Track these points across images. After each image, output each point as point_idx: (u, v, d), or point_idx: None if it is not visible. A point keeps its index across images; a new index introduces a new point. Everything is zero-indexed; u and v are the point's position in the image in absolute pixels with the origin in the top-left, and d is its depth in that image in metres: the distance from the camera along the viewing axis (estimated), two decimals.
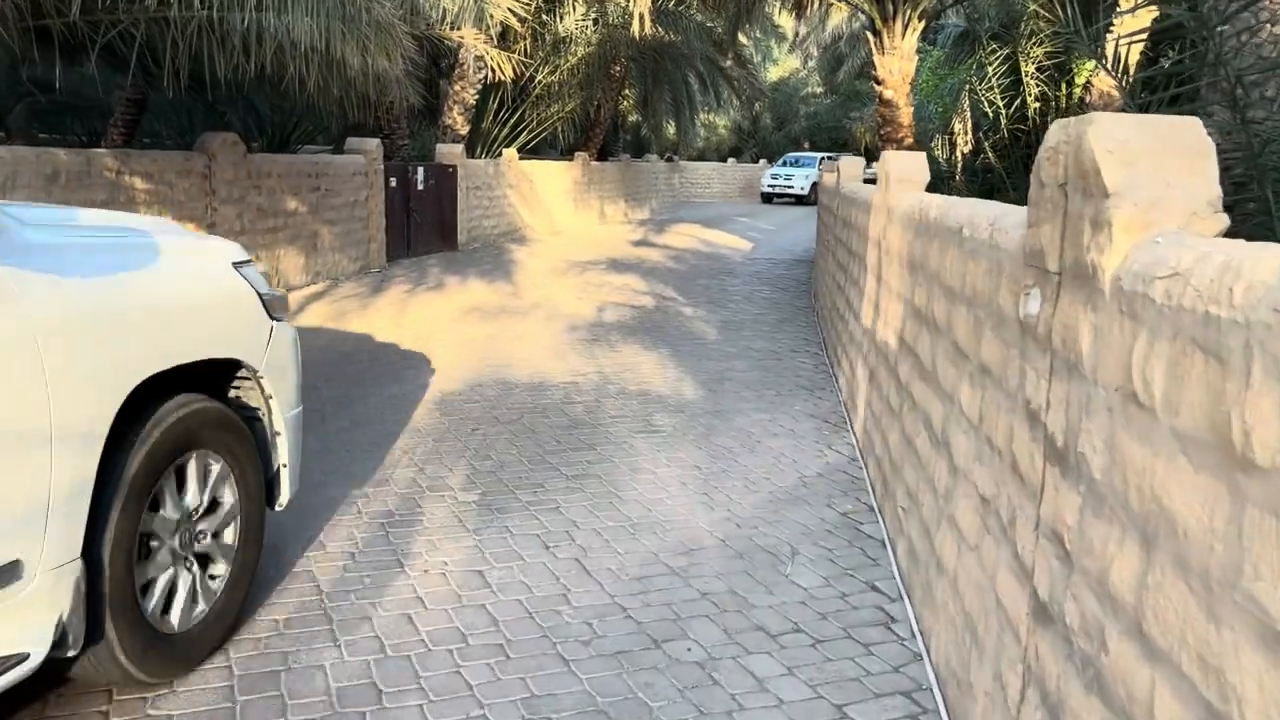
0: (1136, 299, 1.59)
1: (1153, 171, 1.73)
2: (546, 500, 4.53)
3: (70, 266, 2.51)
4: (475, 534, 4.09)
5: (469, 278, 12.23)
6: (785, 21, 30.74)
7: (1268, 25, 5.49)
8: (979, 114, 12.10)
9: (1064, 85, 10.84)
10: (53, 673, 2.56)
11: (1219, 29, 4.76)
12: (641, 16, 16.20)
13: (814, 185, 31.36)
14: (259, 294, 3.27)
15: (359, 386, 6.55)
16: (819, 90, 44.02)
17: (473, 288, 11.45)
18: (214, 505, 3.05)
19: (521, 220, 17.88)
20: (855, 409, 5.81)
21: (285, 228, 10.45)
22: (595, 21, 19.45)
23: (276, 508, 3.44)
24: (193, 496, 2.94)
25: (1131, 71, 7.90)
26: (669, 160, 30.86)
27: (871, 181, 6.95)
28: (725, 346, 8.50)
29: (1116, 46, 6.35)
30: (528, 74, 19.15)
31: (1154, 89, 7.40)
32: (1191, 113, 6.85)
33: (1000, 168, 11.33)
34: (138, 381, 2.61)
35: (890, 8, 12.35)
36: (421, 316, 9.41)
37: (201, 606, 2.96)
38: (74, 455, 2.37)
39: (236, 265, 3.25)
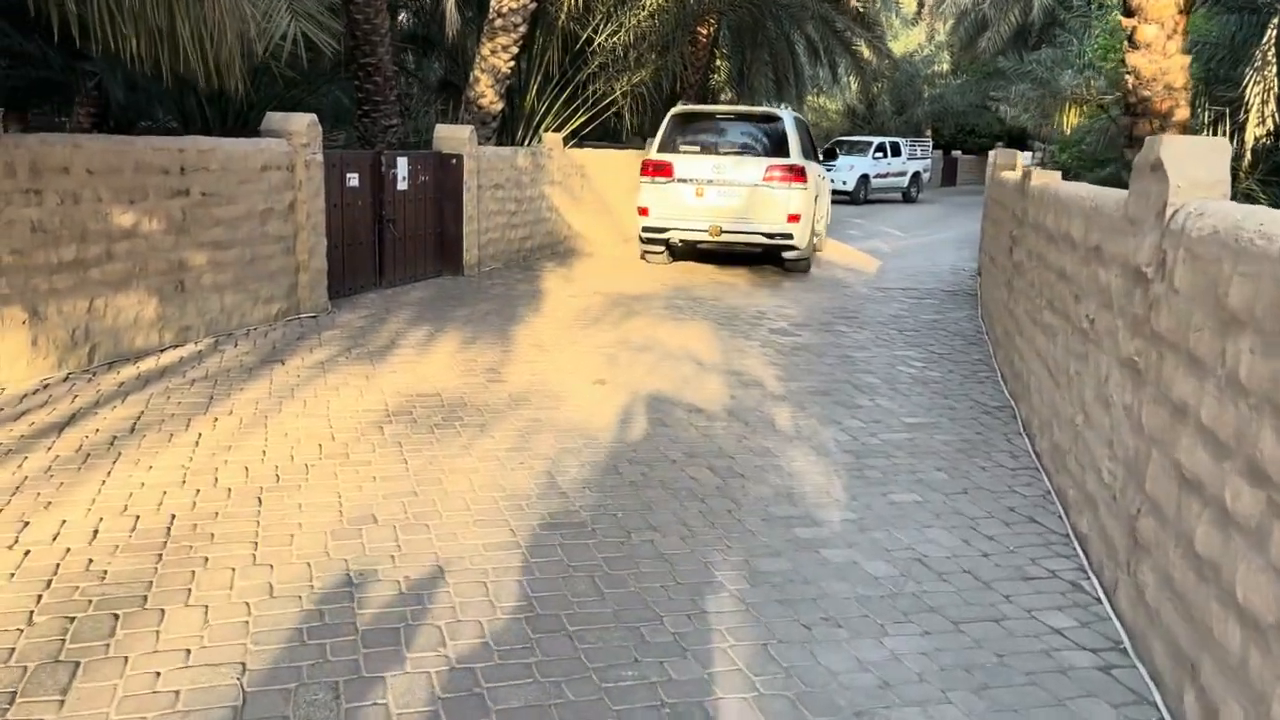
0: None
1: None
2: None
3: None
4: None
5: (445, 331, 7.83)
6: None
7: None
8: None
9: None
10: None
11: None
12: None
13: (862, 179, 26.14)
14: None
15: None
16: (946, 68, 38.44)
17: (436, 355, 7.04)
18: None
19: (568, 227, 13.43)
20: None
21: (109, 259, 6.21)
22: None
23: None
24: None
25: None
26: None
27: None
28: (856, 551, 3.87)
29: None
30: (584, 35, 14.67)
31: None
32: None
33: None
34: (830, 191, 15.73)
35: None
36: (297, 432, 5.03)
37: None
38: (825, 208, 13.91)
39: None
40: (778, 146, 11.54)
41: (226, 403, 5.56)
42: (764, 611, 3.35)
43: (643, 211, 11.63)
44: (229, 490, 4.25)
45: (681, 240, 11.72)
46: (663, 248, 12.02)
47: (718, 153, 11.59)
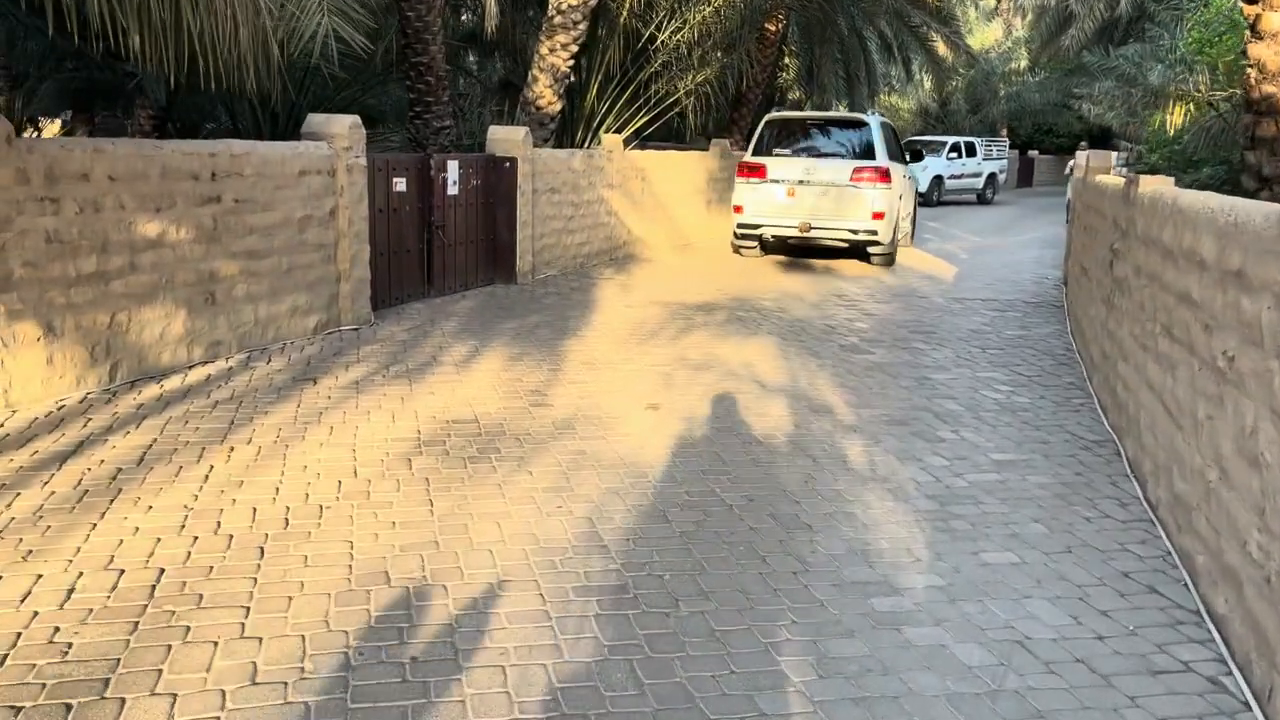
0: None
1: None
2: None
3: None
4: None
5: (490, 347, 7.36)
6: None
7: None
8: None
9: None
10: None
11: None
12: None
13: (936, 180, 25.30)
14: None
15: None
16: (1023, 65, 37.09)
17: (478, 374, 6.56)
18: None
19: (627, 232, 12.92)
20: None
21: (132, 271, 5.85)
22: None
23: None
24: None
25: None
26: None
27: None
28: (945, 629, 3.24)
29: None
30: (647, 33, 14.14)
31: None
32: None
33: None
34: (915, 191, 15.87)
35: None
36: (317, 464, 4.59)
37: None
38: (910, 208, 14.47)
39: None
40: (864, 149, 12.62)
41: (247, 429, 5.14)
42: (836, 715, 2.78)
43: (738, 209, 12.80)
44: (230, 538, 3.79)
45: (773, 236, 12.84)
46: (755, 243, 13.15)
47: (808, 155, 12.76)
